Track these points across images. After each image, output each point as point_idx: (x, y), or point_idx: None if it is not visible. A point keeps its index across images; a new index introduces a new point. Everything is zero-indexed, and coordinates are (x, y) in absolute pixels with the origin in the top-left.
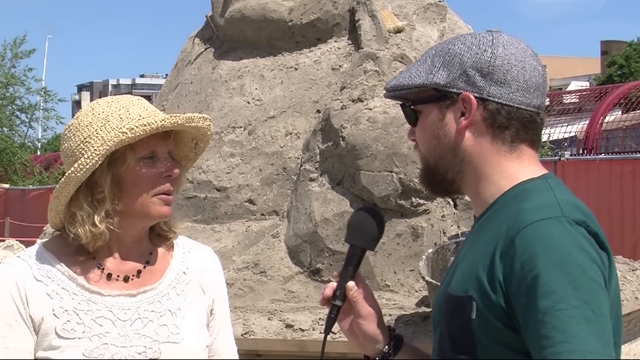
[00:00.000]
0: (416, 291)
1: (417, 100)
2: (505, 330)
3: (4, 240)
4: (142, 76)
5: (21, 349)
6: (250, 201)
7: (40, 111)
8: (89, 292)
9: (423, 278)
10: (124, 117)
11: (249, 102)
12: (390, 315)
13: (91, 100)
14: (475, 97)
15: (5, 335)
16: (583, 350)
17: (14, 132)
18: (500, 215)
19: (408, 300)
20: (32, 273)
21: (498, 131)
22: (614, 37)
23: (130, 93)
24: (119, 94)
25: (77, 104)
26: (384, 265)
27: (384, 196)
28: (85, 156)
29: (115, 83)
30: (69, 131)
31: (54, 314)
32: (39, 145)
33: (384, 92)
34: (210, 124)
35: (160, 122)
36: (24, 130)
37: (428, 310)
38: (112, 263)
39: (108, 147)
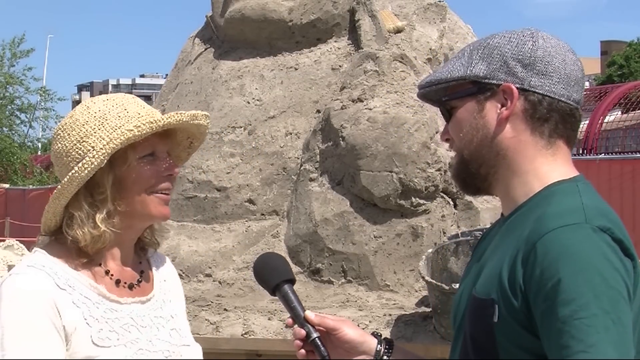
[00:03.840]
0: (416, 291)
1: (453, 95)
2: (526, 334)
3: (4, 240)
4: (142, 76)
5: None
6: (250, 201)
7: (40, 111)
8: (108, 300)
9: (423, 278)
10: (122, 116)
11: (249, 102)
12: (390, 315)
13: None
14: (517, 88)
15: (36, 347)
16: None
17: (13, 132)
18: (528, 217)
19: (408, 300)
20: (54, 282)
21: (538, 123)
22: (614, 37)
23: (131, 93)
24: None
25: (77, 104)
26: (384, 265)
27: (384, 196)
28: (90, 155)
29: (115, 83)
30: (62, 131)
31: (87, 323)
32: (39, 145)
33: (417, 90)
34: (209, 122)
35: (167, 119)
36: (23, 130)
37: (428, 310)
38: (115, 269)
39: (114, 146)
